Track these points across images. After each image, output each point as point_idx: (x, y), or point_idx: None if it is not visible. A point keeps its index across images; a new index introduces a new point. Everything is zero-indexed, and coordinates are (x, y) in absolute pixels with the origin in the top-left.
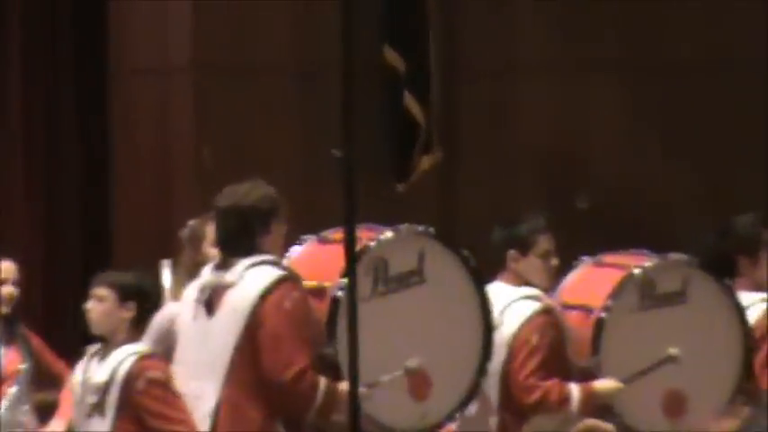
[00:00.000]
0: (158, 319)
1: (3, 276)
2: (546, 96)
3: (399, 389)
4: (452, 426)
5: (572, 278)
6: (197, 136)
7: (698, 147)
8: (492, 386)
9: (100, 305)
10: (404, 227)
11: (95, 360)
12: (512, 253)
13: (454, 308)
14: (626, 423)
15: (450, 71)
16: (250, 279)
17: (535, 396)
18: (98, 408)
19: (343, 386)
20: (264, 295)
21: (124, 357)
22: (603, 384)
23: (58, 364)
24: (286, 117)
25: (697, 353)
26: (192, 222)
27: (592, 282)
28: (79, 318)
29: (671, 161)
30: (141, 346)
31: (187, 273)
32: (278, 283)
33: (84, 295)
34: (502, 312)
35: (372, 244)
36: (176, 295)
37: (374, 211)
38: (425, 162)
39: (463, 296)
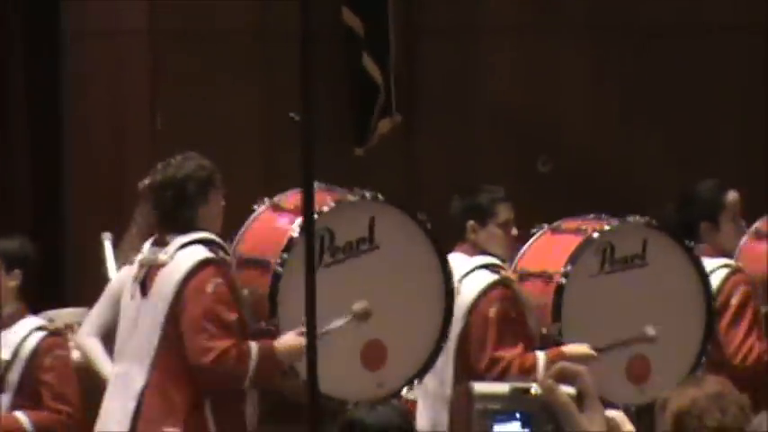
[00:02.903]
0: (113, 284)
1: None
2: (509, 58)
3: (352, 361)
4: (410, 395)
5: (531, 246)
6: (151, 100)
7: (664, 111)
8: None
9: None
10: (350, 195)
11: None
12: (471, 224)
13: (410, 273)
14: None
15: (410, 32)
16: (179, 260)
17: (497, 369)
18: None
19: (283, 340)
20: (187, 278)
21: (27, 333)
22: (574, 348)
23: None
24: (243, 80)
25: (659, 317)
26: (148, 180)
27: (551, 248)
28: (29, 285)
29: (636, 125)
30: (42, 322)
31: (140, 233)
32: (201, 266)
33: (37, 263)
34: (459, 282)
35: (316, 216)
36: (128, 259)
37: (334, 174)
38: (384, 125)
39: (420, 261)
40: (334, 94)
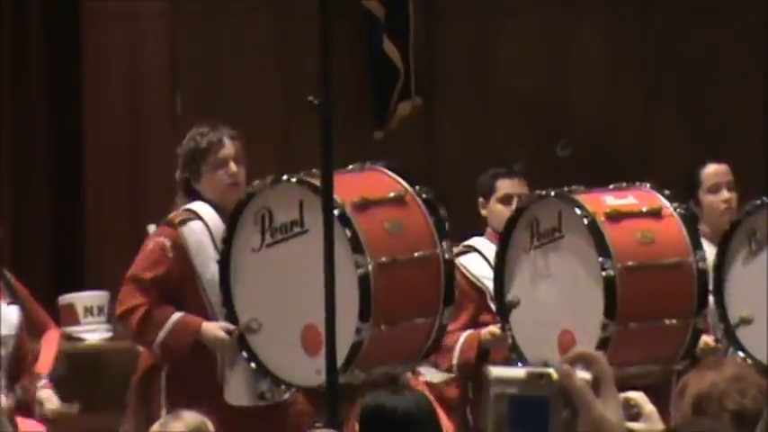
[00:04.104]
0: None
1: None
2: (528, 40)
3: (293, 343)
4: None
5: None
6: (170, 80)
7: (683, 93)
8: None
9: None
10: (283, 177)
11: None
12: (480, 200)
13: (337, 257)
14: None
15: (429, 14)
16: None
17: None
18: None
19: (211, 327)
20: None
21: (9, 309)
22: (488, 330)
23: (41, 313)
24: (263, 62)
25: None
26: None
27: None
28: (48, 266)
29: (655, 107)
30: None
31: None
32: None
33: (55, 244)
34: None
35: (253, 192)
36: None
37: (353, 157)
38: (404, 108)
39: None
40: (354, 77)
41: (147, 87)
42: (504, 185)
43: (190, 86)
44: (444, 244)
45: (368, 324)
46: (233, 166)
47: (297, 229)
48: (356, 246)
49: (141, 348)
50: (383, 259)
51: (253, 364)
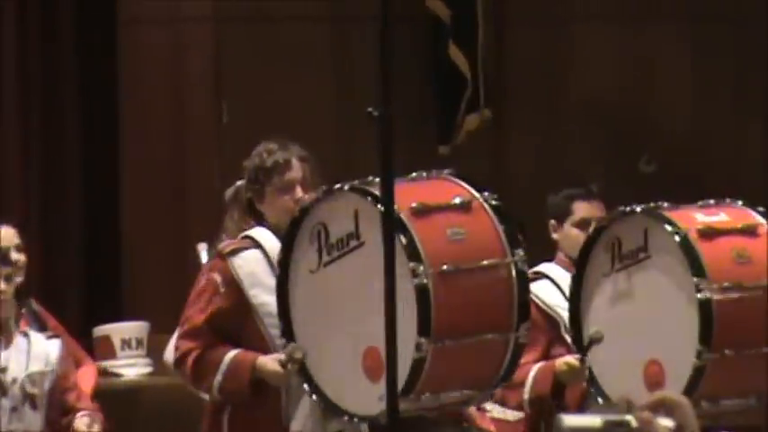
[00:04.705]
0: None
1: (3, 244)
2: (605, 48)
3: (354, 369)
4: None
5: None
6: (215, 91)
7: None
8: None
9: (8, 285)
10: (336, 186)
11: None
12: (551, 223)
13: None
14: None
15: (499, 19)
16: None
17: None
18: (30, 399)
19: (266, 362)
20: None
21: (47, 343)
22: (562, 361)
23: (75, 347)
24: (316, 70)
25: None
26: (238, 183)
27: None
28: (81, 294)
29: (746, 121)
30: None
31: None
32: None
33: (88, 269)
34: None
35: (307, 207)
36: None
37: (415, 171)
38: (472, 121)
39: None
40: (417, 87)
41: (189, 97)
42: (582, 208)
43: (236, 96)
44: (517, 253)
45: (429, 339)
46: (299, 192)
47: (353, 243)
48: (413, 253)
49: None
50: (444, 267)
51: (314, 396)
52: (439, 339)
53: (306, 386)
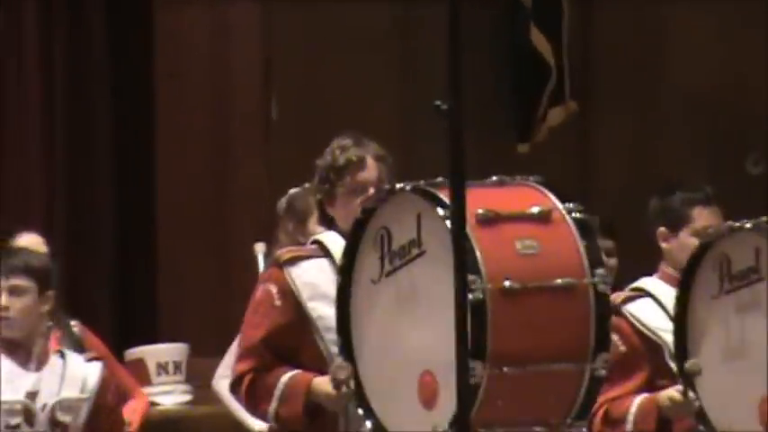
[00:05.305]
0: None
1: None
2: (705, 32)
3: (410, 395)
4: None
5: None
6: (263, 80)
7: None
8: None
9: (20, 300)
10: (397, 187)
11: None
12: (661, 230)
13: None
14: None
15: (586, 1)
16: None
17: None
18: (62, 429)
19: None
20: None
21: (85, 366)
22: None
23: (123, 375)
24: (377, 57)
25: None
26: (292, 191)
27: None
28: (112, 312)
29: None
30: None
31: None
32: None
33: (120, 284)
34: None
35: (372, 208)
36: None
37: (490, 174)
38: (556, 115)
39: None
40: (493, 76)
41: (233, 89)
42: (703, 216)
43: (287, 88)
44: (598, 273)
45: (484, 363)
46: None
47: (415, 251)
48: (471, 265)
49: None
50: (507, 284)
51: (369, 423)
52: (496, 365)
53: (360, 411)
